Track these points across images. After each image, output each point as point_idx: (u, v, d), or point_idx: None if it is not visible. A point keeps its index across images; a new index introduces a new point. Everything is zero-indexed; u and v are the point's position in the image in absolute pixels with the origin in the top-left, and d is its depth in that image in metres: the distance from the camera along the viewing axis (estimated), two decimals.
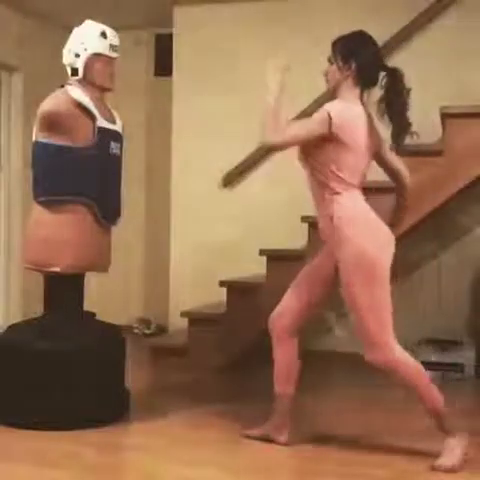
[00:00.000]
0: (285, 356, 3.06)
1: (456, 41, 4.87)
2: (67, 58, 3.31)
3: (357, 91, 2.93)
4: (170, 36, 5.60)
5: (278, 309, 3.09)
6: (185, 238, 5.50)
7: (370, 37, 2.97)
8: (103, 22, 3.36)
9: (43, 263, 3.29)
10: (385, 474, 2.74)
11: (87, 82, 3.31)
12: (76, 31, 3.32)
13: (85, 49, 3.26)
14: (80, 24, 3.35)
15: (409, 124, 2.92)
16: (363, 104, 2.95)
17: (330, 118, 2.79)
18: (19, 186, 5.71)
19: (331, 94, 3.00)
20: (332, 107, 2.84)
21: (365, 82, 2.94)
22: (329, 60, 2.98)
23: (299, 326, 3.07)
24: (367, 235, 2.86)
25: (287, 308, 3.05)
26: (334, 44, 2.98)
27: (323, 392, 4.01)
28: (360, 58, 2.90)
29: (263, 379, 3.88)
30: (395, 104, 2.90)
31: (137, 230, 6.16)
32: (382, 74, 2.94)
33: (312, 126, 2.82)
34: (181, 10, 5.50)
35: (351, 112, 2.87)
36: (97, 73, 3.31)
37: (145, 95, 6.19)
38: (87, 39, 3.27)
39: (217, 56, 5.42)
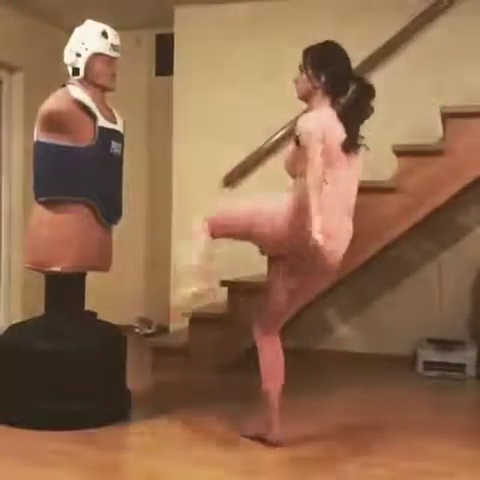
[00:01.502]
0: (270, 353, 3.07)
1: (457, 41, 4.86)
2: (68, 58, 3.31)
3: (328, 100, 2.94)
4: (171, 36, 5.60)
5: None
6: (186, 237, 5.50)
7: (340, 48, 2.97)
8: (104, 22, 3.36)
9: (44, 263, 3.28)
10: (386, 473, 2.74)
11: (88, 82, 3.30)
12: (77, 31, 3.32)
13: (86, 49, 3.26)
14: (81, 24, 3.34)
15: (359, 136, 2.92)
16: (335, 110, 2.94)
17: (317, 133, 2.79)
18: (20, 186, 5.71)
19: (302, 100, 3.01)
20: (309, 123, 2.84)
21: (335, 93, 2.93)
22: (300, 68, 2.98)
23: (279, 324, 3.10)
24: (292, 212, 2.86)
25: None
26: (305, 54, 2.98)
27: (324, 391, 4.01)
28: (330, 70, 2.91)
29: None
30: (355, 114, 2.90)
31: (138, 229, 6.15)
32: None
33: (317, 154, 2.77)
34: (182, 10, 5.50)
35: (325, 117, 2.88)
36: (98, 73, 3.30)
37: (146, 95, 6.19)
38: (88, 39, 3.26)
39: (218, 56, 5.42)
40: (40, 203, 3.31)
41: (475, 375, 4.42)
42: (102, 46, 3.28)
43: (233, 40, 5.38)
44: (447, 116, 4.18)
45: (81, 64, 3.27)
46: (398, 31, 4.90)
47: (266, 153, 5.18)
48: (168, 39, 5.70)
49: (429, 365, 4.49)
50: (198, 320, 4.55)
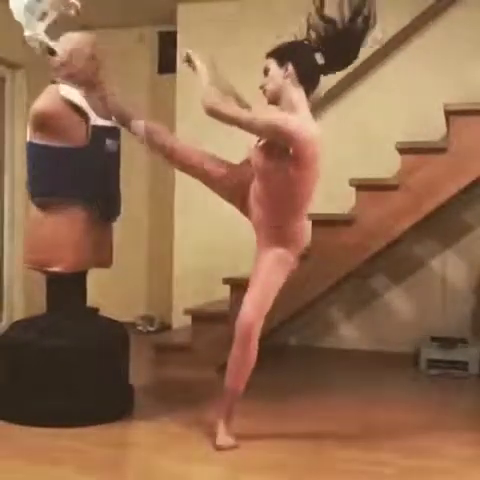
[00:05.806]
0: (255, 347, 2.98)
1: (460, 39, 4.86)
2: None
3: (302, 92, 2.85)
4: (174, 33, 5.60)
5: None
6: (189, 235, 5.50)
7: (302, 40, 2.91)
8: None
9: (43, 263, 3.25)
10: (387, 471, 2.73)
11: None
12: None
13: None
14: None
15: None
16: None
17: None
18: (22, 183, 5.69)
19: (272, 103, 2.94)
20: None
21: (305, 81, 2.85)
22: (265, 72, 2.91)
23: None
24: None
25: None
26: (267, 55, 2.91)
27: (326, 389, 4.01)
28: (295, 57, 2.84)
29: (266, 377, 3.87)
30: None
31: (140, 227, 6.16)
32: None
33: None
34: (184, 7, 5.49)
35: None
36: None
37: (149, 92, 6.19)
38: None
39: (220, 53, 5.40)
40: (34, 204, 3.26)
41: (478, 373, 4.42)
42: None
43: (236, 37, 5.38)
44: (451, 113, 4.17)
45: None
46: (401, 28, 4.89)
47: None
48: (171, 36, 5.70)
49: (432, 363, 4.48)
50: (200, 318, 4.54)
